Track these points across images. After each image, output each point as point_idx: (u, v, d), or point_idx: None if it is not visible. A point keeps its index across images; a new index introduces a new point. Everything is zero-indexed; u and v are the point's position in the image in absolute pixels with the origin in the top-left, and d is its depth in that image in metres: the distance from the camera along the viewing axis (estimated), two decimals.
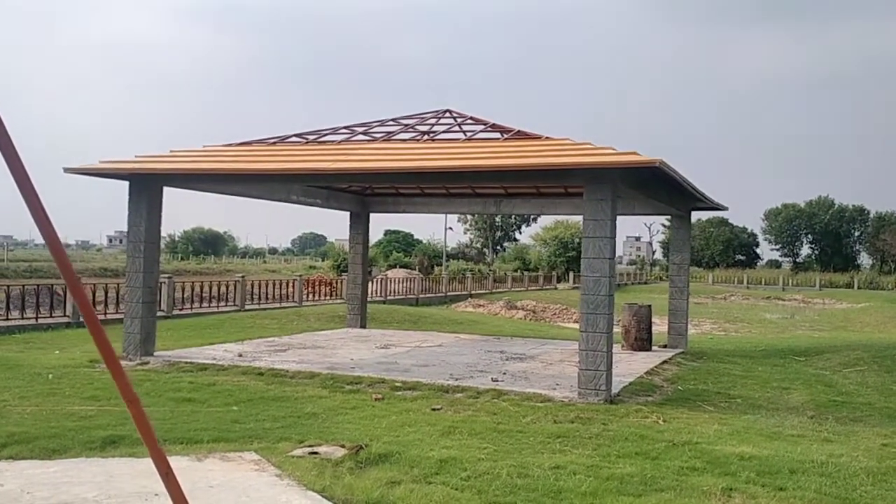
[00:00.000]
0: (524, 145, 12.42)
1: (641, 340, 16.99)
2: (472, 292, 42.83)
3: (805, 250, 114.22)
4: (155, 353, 14.14)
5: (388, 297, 33.99)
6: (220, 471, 7.08)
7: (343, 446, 7.90)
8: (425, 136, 13.71)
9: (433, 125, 14.99)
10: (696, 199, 16.80)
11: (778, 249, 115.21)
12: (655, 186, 13.39)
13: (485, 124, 14.49)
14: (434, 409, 10.24)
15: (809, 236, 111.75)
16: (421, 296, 37.27)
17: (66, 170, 13.70)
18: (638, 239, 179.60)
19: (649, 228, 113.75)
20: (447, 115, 15.68)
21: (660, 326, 33.89)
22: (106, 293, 21.99)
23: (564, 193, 18.11)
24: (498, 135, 13.52)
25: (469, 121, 14.86)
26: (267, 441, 8.25)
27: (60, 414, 9.41)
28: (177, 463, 7.34)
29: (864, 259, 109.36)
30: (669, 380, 13.52)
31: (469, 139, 13.34)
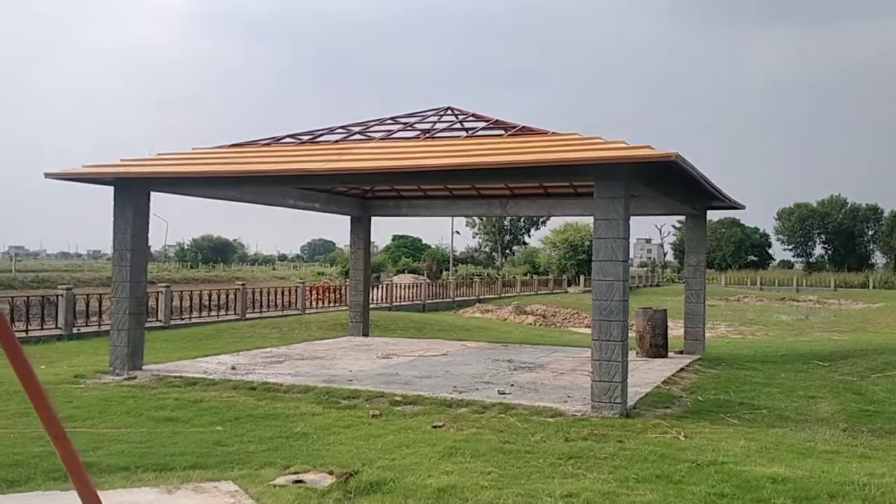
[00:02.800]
0: (529, 141, 11.65)
1: (657, 347, 16.16)
2: (481, 297, 41.99)
3: (818, 250, 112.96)
4: (144, 367, 13.43)
5: (394, 304, 33.21)
6: None
7: (331, 473, 7.13)
8: (425, 135, 12.94)
9: (434, 123, 14.25)
10: (712, 198, 15.97)
11: (791, 249, 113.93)
12: (670, 184, 12.58)
13: (487, 121, 13.73)
14: (435, 427, 9.46)
15: (822, 236, 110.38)
16: (428, 301, 36.47)
17: (48, 175, 13.00)
18: (649, 241, 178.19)
19: (660, 230, 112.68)
20: (448, 112, 14.95)
21: (674, 331, 33.07)
22: (100, 304, 21.27)
23: (573, 193, 17.33)
24: (501, 131, 12.76)
25: (471, 118, 14.11)
26: (249, 467, 7.50)
27: (29, 437, 8.66)
28: (144, 496, 6.59)
29: (878, 258, 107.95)
30: (688, 389, 12.70)
31: (471, 136, 12.59)
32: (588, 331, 31.82)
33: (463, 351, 17.22)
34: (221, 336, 20.05)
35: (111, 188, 13.22)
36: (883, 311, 45.93)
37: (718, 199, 16.30)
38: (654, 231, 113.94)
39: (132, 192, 13.07)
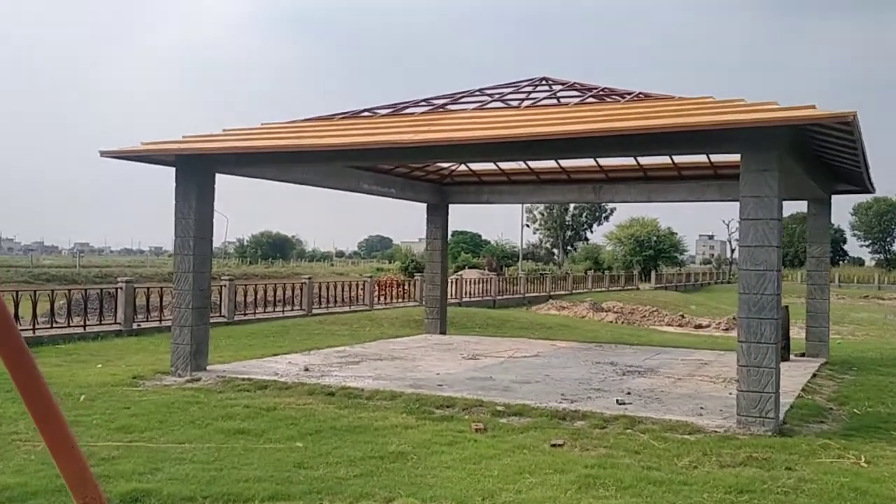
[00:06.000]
0: (655, 106, 9.92)
1: (780, 349, 14.21)
2: (552, 293, 40.12)
3: None
4: (208, 367, 12.08)
5: (464, 300, 31.61)
6: None
7: None
8: (528, 103, 11.29)
9: (529, 93, 12.59)
10: (847, 178, 14.01)
11: (868, 245, 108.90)
12: (815, 156, 10.71)
13: (593, 88, 12.01)
14: (555, 446, 7.83)
15: None
16: (498, 297, 34.73)
17: (103, 153, 11.71)
18: (711, 237, 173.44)
19: (727, 225, 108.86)
20: (543, 82, 13.29)
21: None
22: (161, 298, 20.10)
23: (677, 176, 15.47)
24: (617, 98, 11.03)
25: (574, 86, 12.41)
26: (341, 499, 5.98)
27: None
28: None
29: None
30: (835, 400, 10.83)
31: (583, 102, 10.89)
32: (674, 329, 29.96)
33: (555, 352, 15.51)
34: (289, 333, 18.69)
35: (173, 169, 11.90)
36: None
37: (850, 181, 14.33)
38: (717, 226, 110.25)
39: (196, 171, 11.71)
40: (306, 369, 12.28)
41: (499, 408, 9.49)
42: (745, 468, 7.16)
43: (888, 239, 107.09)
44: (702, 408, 9.72)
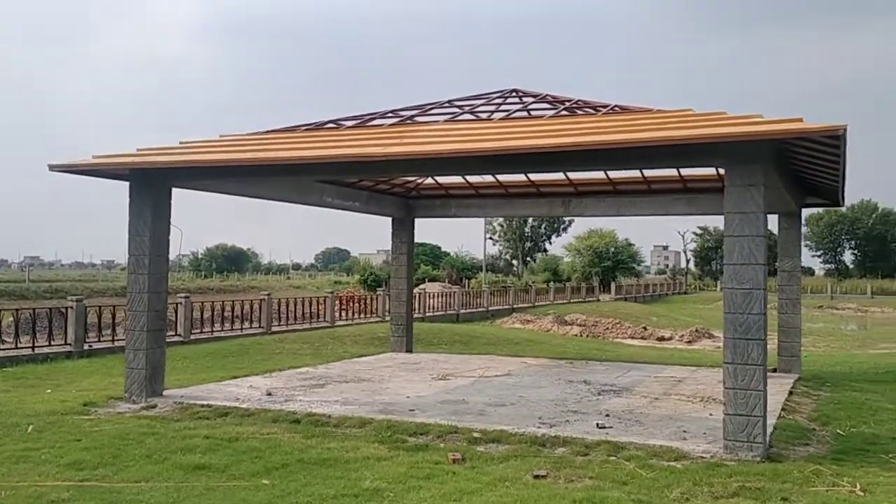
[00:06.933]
0: (633, 119, 9.59)
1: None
2: (515, 306, 39.79)
3: (847, 256, 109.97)
4: (164, 392, 11.44)
5: (427, 314, 31.10)
6: None
7: None
8: (501, 116, 10.90)
9: (499, 105, 12.22)
10: (816, 192, 13.91)
11: (819, 256, 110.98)
12: (791, 170, 10.50)
13: (567, 102, 11.67)
14: (537, 477, 7.40)
15: (852, 242, 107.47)
16: (462, 311, 34.29)
17: (52, 167, 11.05)
18: (666, 248, 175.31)
19: (683, 236, 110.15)
20: (514, 94, 12.94)
21: (718, 342, 30.96)
22: (113, 316, 19.29)
23: (647, 190, 15.23)
24: (591, 111, 10.70)
25: (547, 98, 12.06)
26: None
27: (23, 497, 6.65)
28: None
29: None
30: (816, 419, 10.58)
31: (557, 115, 10.53)
32: (638, 342, 29.83)
33: (527, 370, 15.10)
34: (248, 352, 18.02)
35: (126, 184, 11.27)
36: None
37: (821, 195, 14.22)
38: (671, 237, 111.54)
39: (151, 186, 11.10)
40: (269, 394, 11.70)
41: (475, 434, 9.04)
42: (739, 500, 6.80)
43: (838, 249, 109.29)
44: (685, 431, 9.37)
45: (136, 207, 11.22)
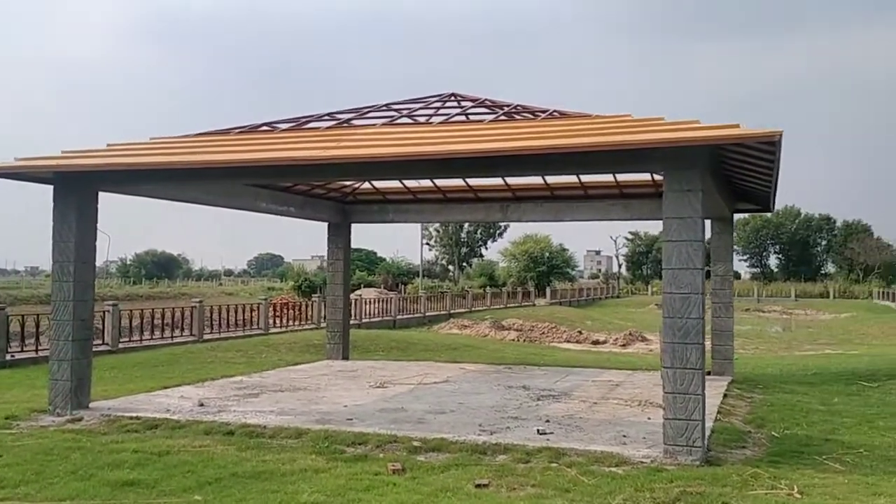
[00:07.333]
0: (573, 124, 9.58)
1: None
2: (452, 311, 39.76)
3: (772, 260, 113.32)
4: (91, 405, 10.98)
5: (363, 320, 30.81)
6: None
7: None
8: (441, 120, 10.78)
9: (438, 109, 12.12)
10: (747, 198, 14.19)
11: (745, 260, 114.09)
12: (725, 176, 10.65)
13: (506, 106, 11.62)
14: (479, 486, 7.28)
15: (777, 246, 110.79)
16: (398, 317, 34.08)
17: None
18: (598, 253, 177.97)
19: (615, 241, 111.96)
20: (452, 98, 12.86)
21: (654, 345, 31.43)
22: (37, 325, 18.51)
23: (584, 196, 15.31)
24: (530, 115, 10.67)
25: (486, 103, 12.01)
26: None
27: None
28: None
29: (830, 268, 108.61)
30: (751, 422, 10.73)
31: (497, 120, 10.47)
32: (574, 346, 30.06)
33: (465, 376, 15.01)
34: (179, 362, 17.52)
35: (51, 188, 10.80)
36: (857, 321, 45.19)
37: (753, 200, 14.51)
38: (604, 242, 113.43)
39: (76, 191, 10.65)
40: (201, 404, 11.33)
41: (415, 443, 8.88)
42: None
43: (764, 254, 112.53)
44: (624, 436, 9.38)
45: (60, 212, 10.76)
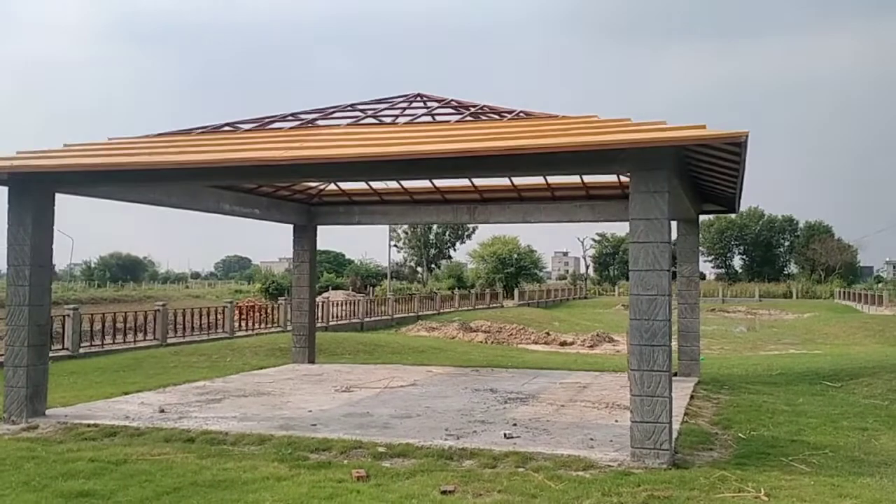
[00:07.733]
0: (539, 125, 9.50)
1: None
2: (420, 314, 39.61)
3: (737, 261, 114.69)
4: (47, 412, 10.69)
5: (330, 323, 30.55)
6: None
7: None
8: (406, 120, 10.66)
9: (404, 110, 11.99)
10: (712, 199, 14.24)
11: (710, 261, 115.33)
12: (691, 177, 10.65)
13: (472, 107, 11.53)
14: (445, 493, 7.17)
15: (741, 247, 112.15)
16: (366, 319, 33.87)
17: None
18: (566, 254, 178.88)
19: (582, 242, 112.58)
20: (418, 99, 12.75)
21: (620, 346, 31.53)
22: None
23: (551, 197, 15.27)
24: (496, 116, 10.59)
25: (452, 104, 11.91)
26: None
27: None
28: None
29: (793, 268, 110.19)
30: (718, 423, 10.73)
31: (463, 120, 10.37)
32: (542, 348, 30.04)
33: (432, 379, 14.89)
34: (141, 366, 17.19)
35: (5, 189, 10.51)
36: (819, 321, 45.67)
37: (717, 202, 14.57)
38: (571, 244, 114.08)
39: (32, 192, 10.37)
40: (162, 410, 11.09)
41: (380, 449, 8.74)
42: None
43: (728, 255, 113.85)
44: (591, 438, 9.32)
45: (15, 214, 10.46)
